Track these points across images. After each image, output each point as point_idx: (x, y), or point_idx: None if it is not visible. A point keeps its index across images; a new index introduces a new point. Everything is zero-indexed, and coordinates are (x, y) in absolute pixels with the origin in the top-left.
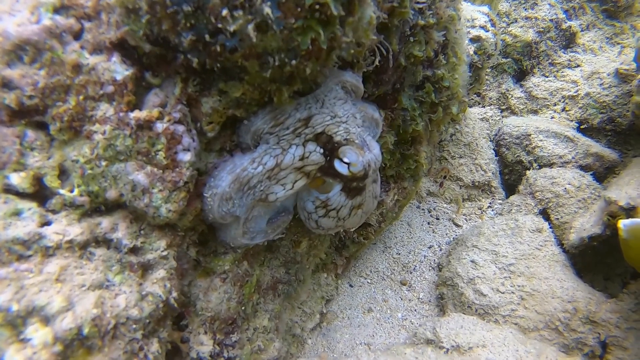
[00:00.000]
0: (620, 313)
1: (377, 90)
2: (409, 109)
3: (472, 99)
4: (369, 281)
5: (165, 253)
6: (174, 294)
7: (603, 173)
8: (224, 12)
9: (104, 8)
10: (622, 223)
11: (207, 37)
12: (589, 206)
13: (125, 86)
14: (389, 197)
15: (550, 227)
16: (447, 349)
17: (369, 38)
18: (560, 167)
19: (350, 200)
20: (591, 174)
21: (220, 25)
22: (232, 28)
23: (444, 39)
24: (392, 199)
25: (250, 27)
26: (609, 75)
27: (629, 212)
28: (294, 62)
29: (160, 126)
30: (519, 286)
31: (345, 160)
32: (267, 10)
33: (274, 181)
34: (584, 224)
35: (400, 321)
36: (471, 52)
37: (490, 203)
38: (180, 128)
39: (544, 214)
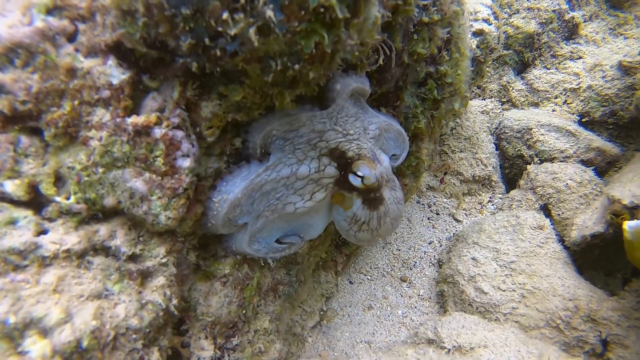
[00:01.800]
0: (621, 311)
1: (379, 89)
2: (411, 106)
3: (473, 92)
4: (369, 278)
5: (164, 260)
6: (174, 301)
7: (604, 168)
8: (225, 15)
9: (98, 9)
10: (628, 225)
11: (206, 40)
12: (591, 202)
13: (121, 90)
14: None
15: (551, 223)
16: (449, 350)
17: (373, 38)
18: (561, 161)
19: (375, 212)
20: (593, 169)
21: (220, 29)
22: (232, 32)
23: (448, 35)
24: None
25: (252, 30)
26: (611, 67)
27: (633, 211)
28: (297, 66)
29: (158, 132)
30: (520, 284)
31: (359, 174)
32: (269, 13)
33: (292, 190)
34: (586, 221)
35: (400, 318)
36: (474, 46)
37: (490, 198)
38: (179, 133)
39: (545, 209)
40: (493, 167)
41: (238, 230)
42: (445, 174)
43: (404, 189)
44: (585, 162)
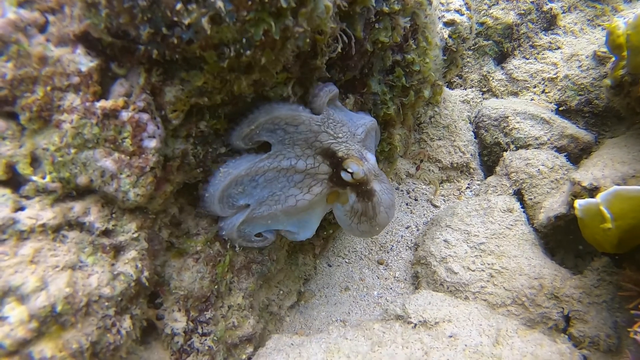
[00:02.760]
0: (583, 288)
1: (343, 76)
2: (379, 93)
3: (454, 81)
4: (347, 261)
5: (136, 235)
6: (146, 273)
7: (578, 154)
8: (178, 5)
9: (66, 2)
10: (578, 203)
11: (164, 29)
12: (560, 187)
13: (90, 77)
14: None
15: (523, 207)
16: (415, 324)
17: (326, 27)
18: (536, 148)
19: (369, 202)
20: (565, 155)
21: (175, 19)
22: (186, 21)
23: (412, 24)
24: None
25: (205, 19)
26: (587, 57)
27: (592, 192)
28: (248, 52)
29: (125, 115)
30: (488, 264)
31: (349, 170)
32: (219, 3)
33: (292, 183)
34: (553, 204)
35: (375, 299)
36: (445, 36)
37: (468, 184)
38: (145, 116)
39: (519, 194)
40: (471, 155)
41: (234, 212)
42: (422, 161)
43: None
44: (558, 149)
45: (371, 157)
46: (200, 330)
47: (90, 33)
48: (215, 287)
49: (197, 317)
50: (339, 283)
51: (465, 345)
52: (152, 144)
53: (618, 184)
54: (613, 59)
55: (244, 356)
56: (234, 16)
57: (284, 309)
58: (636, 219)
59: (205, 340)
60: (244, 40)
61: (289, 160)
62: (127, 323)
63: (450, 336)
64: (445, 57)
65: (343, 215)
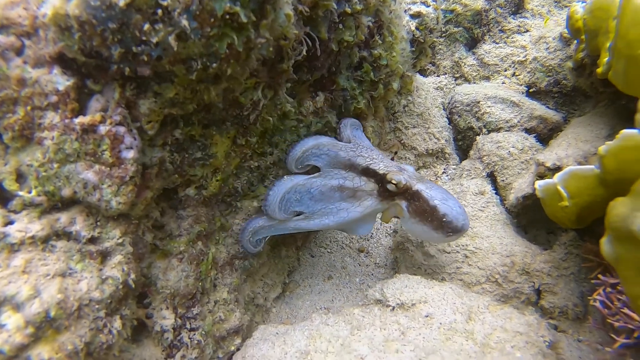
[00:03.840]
0: (552, 262)
1: (311, 76)
2: (348, 89)
3: (428, 69)
4: (329, 251)
5: (120, 240)
6: (132, 276)
7: (547, 134)
8: (146, 26)
9: (40, 26)
10: (538, 184)
11: (134, 49)
12: (530, 167)
13: (67, 95)
14: None
15: (496, 189)
16: (393, 307)
17: (289, 34)
18: (507, 131)
19: (420, 200)
20: (535, 136)
21: (144, 38)
22: (154, 40)
23: (376, 20)
24: None
25: (171, 37)
26: (554, 39)
27: (555, 172)
28: (215, 65)
29: (103, 129)
30: (463, 245)
31: (393, 181)
32: (184, 22)
33: (345, 198)
34: (521, 185)
35: (358, 285)
36: (412, 28)
37: (445, 169)
38: (122, 129)
39: (491, 176)
40: (446, 140)
41: (288, 217)
42: (396, 153)
43: None
44: (528, 130)
45: (409, 167)
46: (188, 326)
47: (65, 54)
48: (200, 284)
49: (185, 313)
50: (322, 272)
51: (440, 324)
52: (130, 154)
53: (580, 163)
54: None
55: (232, 347)
56: (198, 33)
57: (270, 301)
58: (592, 195)
59: (194, 335)
60: (210, 54)
61: (337, 180)
62: (117, 323)
63: (427, 316)
64: (413, 49)
65: (411, 224)
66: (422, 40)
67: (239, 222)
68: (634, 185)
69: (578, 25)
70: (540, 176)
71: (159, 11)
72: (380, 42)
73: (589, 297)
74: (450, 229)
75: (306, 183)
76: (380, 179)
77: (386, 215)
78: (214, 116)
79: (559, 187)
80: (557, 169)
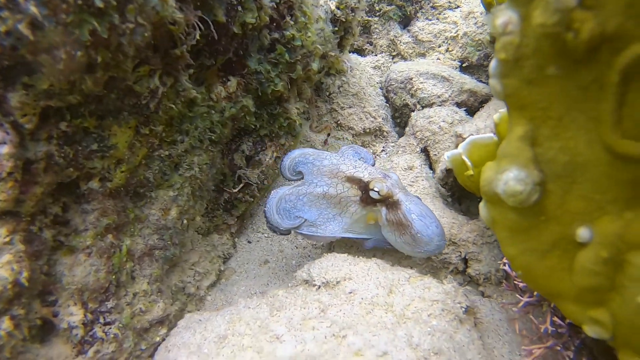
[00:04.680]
0: (477, 231)
1: (215, 61)
2: (262, 72)
3: (366, 48)
4: (266, 235)
5: (8, 239)
6: (24, 274)
7: (478, 107)
8: None
9: None
10: (446, 155)
11: None
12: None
13: None
14: (267, 155)
15: (429, 164)
16: (319, 286)
17: (170, 18)
18: (439, 106)
19: (398, 211)
20: (465, 110)
21: None
22: (2, 28)
23: (284, 1)
24: (271, 156)
25: (21, 25)
26: (481, 14)
27: None
28: (79, 53)
29: None
30: None
31: (375, 189)
32: (33, 9)
33: (332, 205)
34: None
35: (294, 268)
36: (332, 8)
37: (383, 147)
38: None
39: (425, 151)
40: (383, 119)
41: (293, 223)
42: (329, 135)
43: (282, 149)
44: (459, 104)
45: (393, 175)
46: (102, 320)
47: None
48: (114, 277)
49: (97, 308)
50: (258, 257)
51: (362, 299)
52: (4, 150)
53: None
54: None
55: (157, 338)
56: (52, 20)
57: (203, 289)
58: None
59: (109, 328)
60: (73, 42)
61: (321, 188)
62: (5, 324)
63: (350, 292)
64: (336, 28)
65: (387, 233)
66: (345, 20)
67: (155, 213)
68: (498, 149)
69: (489, 0)
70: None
71: None
72: (292, 23)
73: (499, 262)
74: (422, 246)
75: (292, 191)
76: (364, 187)
77: (369, 219)
78: (108, 106)
79: (463, 157)
80: None
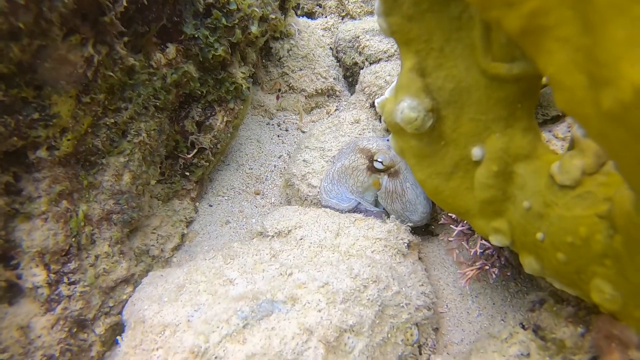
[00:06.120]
0: None
1: (149, 28)
2: (200, 37)
3: (316, 11)
4: (227, 198)
5: None
6: None
7: None
8: None
9: None
10: (376, 101)
11: None
12: None
13: None
14: (217, 120)
15: (380, 117)
16: (272, 236)
17: None
18: (386, 61)
19: (397, 179)
20: None
21: None
22: None
23: None
24: (222, 121)
25: None
26: None
27: None
28: None
29: None
30: None
31: (379, 159)
32: None
33: (349, 176)
34: None
35: (253, 226)
36: None
37: (337, 106)
38: None
39: (374, 106)
40: (334, 79)
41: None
42: (279, 90)
43: (232, 113)
44: None
45: (393, 151)
46: (66, 280)
47: None
48: (74, 240)
49: (60, 269)
50: (220, 219)
51: (311, 243)
52: None
53: None
54: None
55: (124, 296)
56: None
57: (167, 251)
58: None
59: (75, 287)
60: None
61: (340, 162)
62: None
63: (301, 238)
64: None
65: (380, 199)
66: None
67: (108, 179)
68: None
69: None
70: None
71: None
72: None
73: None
74: (408, 214)
75: (328, 172)
76: (371, 157)
77: (375, 186)
78: (44, 76)
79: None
80: None
